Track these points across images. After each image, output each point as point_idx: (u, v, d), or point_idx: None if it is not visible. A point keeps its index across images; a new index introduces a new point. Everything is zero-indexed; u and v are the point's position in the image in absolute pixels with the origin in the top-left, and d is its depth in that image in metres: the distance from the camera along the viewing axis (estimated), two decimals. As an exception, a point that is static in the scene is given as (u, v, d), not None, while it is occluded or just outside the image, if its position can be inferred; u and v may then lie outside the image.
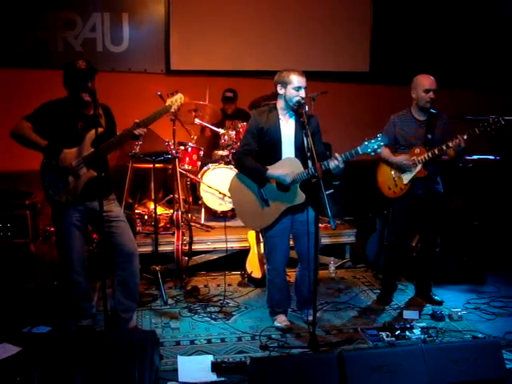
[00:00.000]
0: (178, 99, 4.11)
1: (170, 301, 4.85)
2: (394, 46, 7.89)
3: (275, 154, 4.11)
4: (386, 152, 4.60)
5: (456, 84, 7.57)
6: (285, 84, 4.02)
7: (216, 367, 3.61)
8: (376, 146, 3.82)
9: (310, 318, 4.09)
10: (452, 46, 7.91)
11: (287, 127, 4.12)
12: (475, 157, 6.20)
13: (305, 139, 3.90)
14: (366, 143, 3.84)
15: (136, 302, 4.20)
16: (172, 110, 4.11)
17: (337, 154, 3.86)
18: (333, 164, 3.85)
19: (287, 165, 4.05)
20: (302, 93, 4.00)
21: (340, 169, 3.86)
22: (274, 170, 4.05)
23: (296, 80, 3.99)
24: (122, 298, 4.08)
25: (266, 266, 4.47)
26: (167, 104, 4.08)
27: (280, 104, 4.13)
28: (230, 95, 7.00)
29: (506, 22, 7.94)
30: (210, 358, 3.75)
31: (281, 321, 4.35)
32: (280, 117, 4.13)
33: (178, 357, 3.80)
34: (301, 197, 4.08)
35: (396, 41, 7.88)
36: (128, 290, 4.08)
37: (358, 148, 3.85)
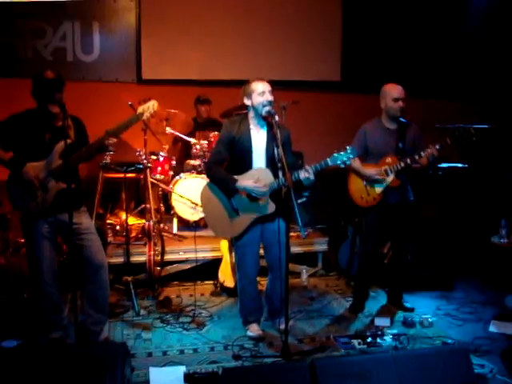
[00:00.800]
0: (150, 106, 4.01)
1: (142, 312, 4.82)
2: (366, 55, 7.97)
3: (246, 164, 4.12)
4: (356, 163, 4.62)
5: (426, 93, 7.69)
6: (249, 94, 4.07)
7: (188, 378, 3.59)
8: (345, 158, 3.87)
9: (282, 326, 4.12)
10: (423, 55, 8.03)
11: (258, 137, 4.14)
12: (445, 165, 6.30)
13: (275, 150, 3.93)
14: (336, 155, 3.89)
15: (106, 314, 4.17)
16: (144, 117, 4.01)
17: (307, 166, 3.90)
18: (303, 175, 3.89)
19: (257, 175, 4.07)
20: (268, 96, 4.03)
21: (310, 180, 3.90)
22: (244, 181, 4.06)
23: (258, 86, 4.04)
24: (91, 310, 4.05)
25: (237, 275, 4.47)
26: (138, 112, 4.00)
27: (251, 114, 4.16)
28: (205, 97, 6.98)
29: (474, 32, 8.10)
30: (182, 369, 3.73)
31: (253, 330, 4.36)
32: (251, 127, 4.15)
33: (150, 368, 3.78)
34: (271, 207, 4.10)
35: (367, 50, 7.97)
36: (97, 303, 4.05)
37: (328, 159, 3.90)
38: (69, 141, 3.69)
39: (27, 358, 3.18)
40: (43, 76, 3.72)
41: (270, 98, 4.04)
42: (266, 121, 4.11)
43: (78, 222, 3.89)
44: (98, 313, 4.06)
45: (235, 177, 4.09)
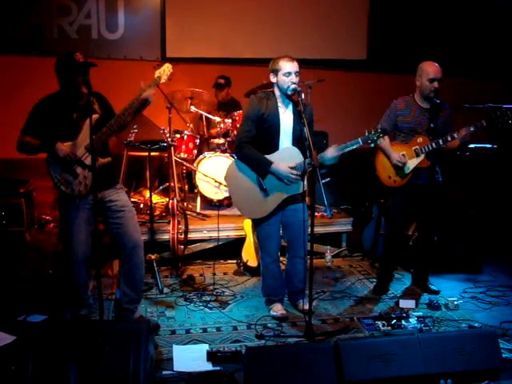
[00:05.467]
0: (165, 69, 3.94)
1: (165, 290, 4.82)
2: (392, 33, 7.83)
3: (273, 143, 4.06)
4: (385, 143, 4.53)
5: (456, 72, 7.52)
6: (276, 71, 4.00)
7: (211, 356, 3.59)
8: (376, 138, 3.82)
9: (306, 306, 4.12)
10: (451, 33, 7.85)
11: (285, 116, 4.08)
12: (472, 145, 6.17)
13: (303, 129, 3.87)
14: (367, 134, 3.84)
15: (140, 292, 4.16)
16: (162, 80, 3.94)
17: (333, 146, 3.87)
18: (329, 155, 3.86)
19: (287, 155, 4.02)
20: (293, 78, 3.95)
21: (336, 159, 3.87)
22: (279, 166, 3.96)
23: (285, 66, 3.96)
24: (127, 289, 4.03)
25: (260, 254, 4.43)
26: (156, 76, 3.93)
27: (276, 92, 4.09)
28: (222, 82, 6.93)
29: (506, 9, 7.90)
30: (205, 347, 3.74)
31: (277, 310, 4.34)
32: (279, 105, 4.09)
33: (174, 346, 3.79)
34: (300, 187, 4.05)
35: (394, 28, 7.83)
36: (133, 282, 4.03)
37: (359, 139, 3.85)
38: (96, 116, 3.70)
39: (52, 333, 3.20)
40: (74, 58, 3.68)
41: (295, 79, 3.95)
42: (291, 99, 4.04)
43: (114, 199, 3.91)
44: (134, 291, 4.04)
45: (267, 157, 4.03)
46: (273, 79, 4.05)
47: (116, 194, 3.94)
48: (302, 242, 4.23)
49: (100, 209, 3.85)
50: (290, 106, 4.11)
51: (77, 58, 3.69)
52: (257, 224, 4.33)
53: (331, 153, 3.86)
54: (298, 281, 4.35)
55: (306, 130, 3.80)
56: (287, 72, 3.95)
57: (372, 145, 3.84)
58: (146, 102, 3.83)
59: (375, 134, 3.82)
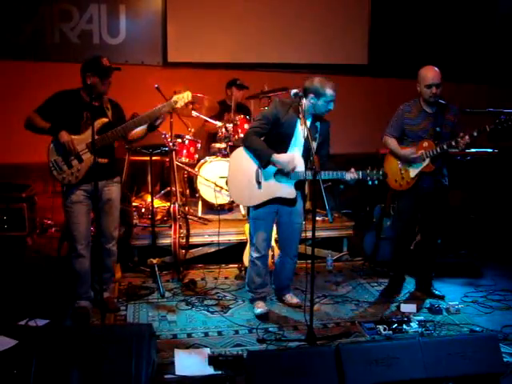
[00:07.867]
0: (184, 96, 4.23)
1: (167, 294, 4.83)
2: (393, 38, 7.84)
3: (282, 148, 4.14)
4: (393, 144, 4.58)
5: (456, 77, 7.53)
6: (318, 95, 4.06)
7: (213, 360, 3.59)
8: (375, 178, 4.00)
9: (294, 300, 4.44)
10: (452, 37, 7.86)
11: (302, 127, 4.14)
12: (473, 150, 6.17)
13: (313, 143, 4.03)
14: (368, 172, 4.00)
15: (112, 274, 4.55)
16: (177, 105, 4.25)
17: (353, 169, 4.03)
18: (349, 176, 4.02)
19: (292, 159, 4.11)
20: (331, 105, 4.10)
21: (354, 180, 4.04)
22: (280, 156, 4.09)
23: (330, 94, 4.06)
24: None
25: (249, 248, 4.50)
26: (172, 100, 4.21)
27: (304, 106, 4.10)
28: (243, 83, 6.86)
29: (507, 13, 7.92)
30: (207, 352, 3.74)
31: (258, 307, 4.41)
32: (300, 116, 4.13)
33: (175, 350, 3.79)
34: (291, 192, 4.18)
35: (395, 33, 7.83)
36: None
37: (360, 172, 4.02)
38: (105, 119, 4.03)
39: (54, 337, 3.20)
40: (101, 62, 3.98)
41: (332, 107, 4.11)
42: (316, 116, 4.18)
43: (109, 191, 4.22)
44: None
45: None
46: (311, 99, 4.09)
47: (110, 187, 4.25)
48: (292, 244, 4.40)
49: (96, 199, 4.05)
50: (310, 119, 4.20)
51: (104, 62, 3.99)
52: (249, 218, 4.44)
53: (350, 176, 4.02)
54: (286, 278, 4.57)
55: (315, 145, 4.04)
56: (330, 100, 4.08)
57: (369, 183, 3.99)
58: (156, 120, 4.17)
59: (376, 173, 4.00)
